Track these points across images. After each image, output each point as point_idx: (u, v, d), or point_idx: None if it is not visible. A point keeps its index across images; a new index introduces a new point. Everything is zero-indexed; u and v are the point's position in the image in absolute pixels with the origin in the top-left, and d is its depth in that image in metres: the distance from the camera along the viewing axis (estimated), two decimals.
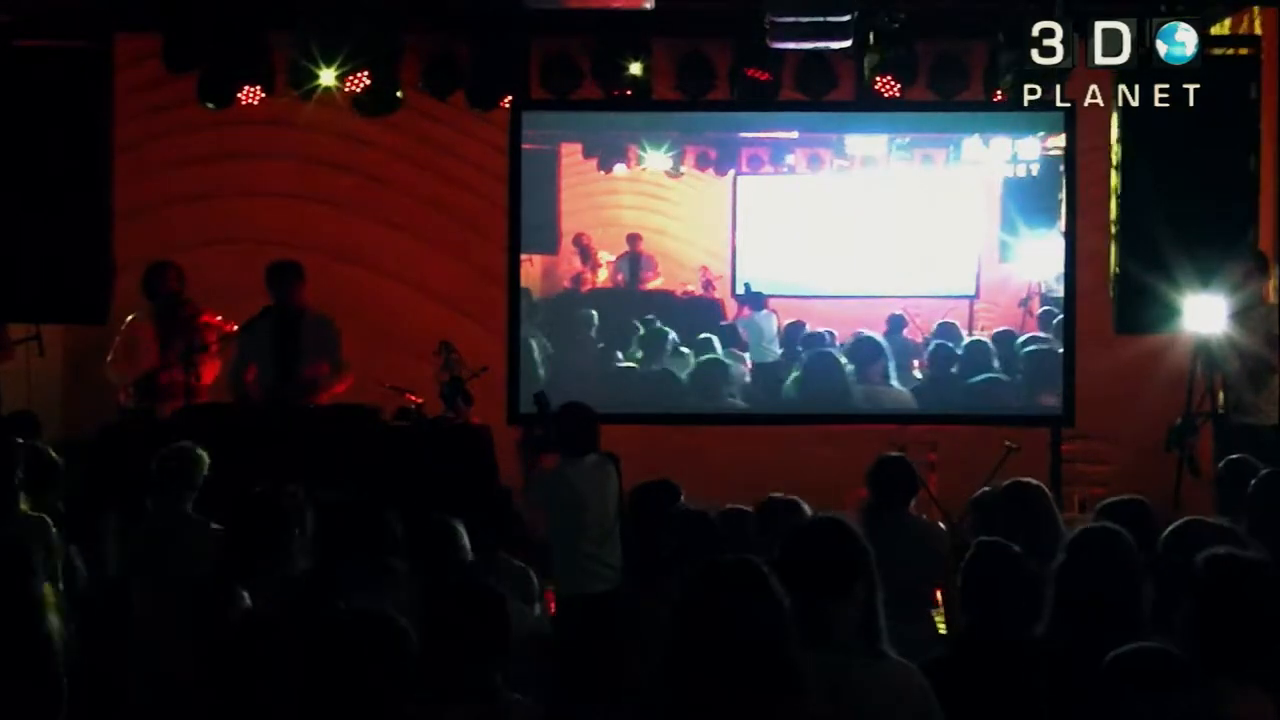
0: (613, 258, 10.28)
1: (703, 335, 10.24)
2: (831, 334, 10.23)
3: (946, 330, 10.22)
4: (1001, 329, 10.22)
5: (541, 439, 8.14)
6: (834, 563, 4.04)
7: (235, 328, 9.50)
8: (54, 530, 6.20)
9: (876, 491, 6.86)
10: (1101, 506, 6.18)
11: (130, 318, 9.79)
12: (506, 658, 4.10)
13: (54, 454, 6.85)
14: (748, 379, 10.23)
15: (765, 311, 10.25)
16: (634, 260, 10.27)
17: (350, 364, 9.54)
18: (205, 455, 6.82)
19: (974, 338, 10.22)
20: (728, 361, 10.21)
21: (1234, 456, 7.33)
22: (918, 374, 10.21)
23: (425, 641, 3.95)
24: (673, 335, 10.20)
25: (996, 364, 10.18)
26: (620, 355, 10.25)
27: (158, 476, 6.74)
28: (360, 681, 3.73)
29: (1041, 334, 10.18)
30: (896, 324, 10.21)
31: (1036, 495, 6.30)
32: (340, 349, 9.54)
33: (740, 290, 10.27)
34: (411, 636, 3.85)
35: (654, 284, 10.31)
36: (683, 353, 10.23)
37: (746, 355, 10.24)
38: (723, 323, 10.28)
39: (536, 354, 10.17)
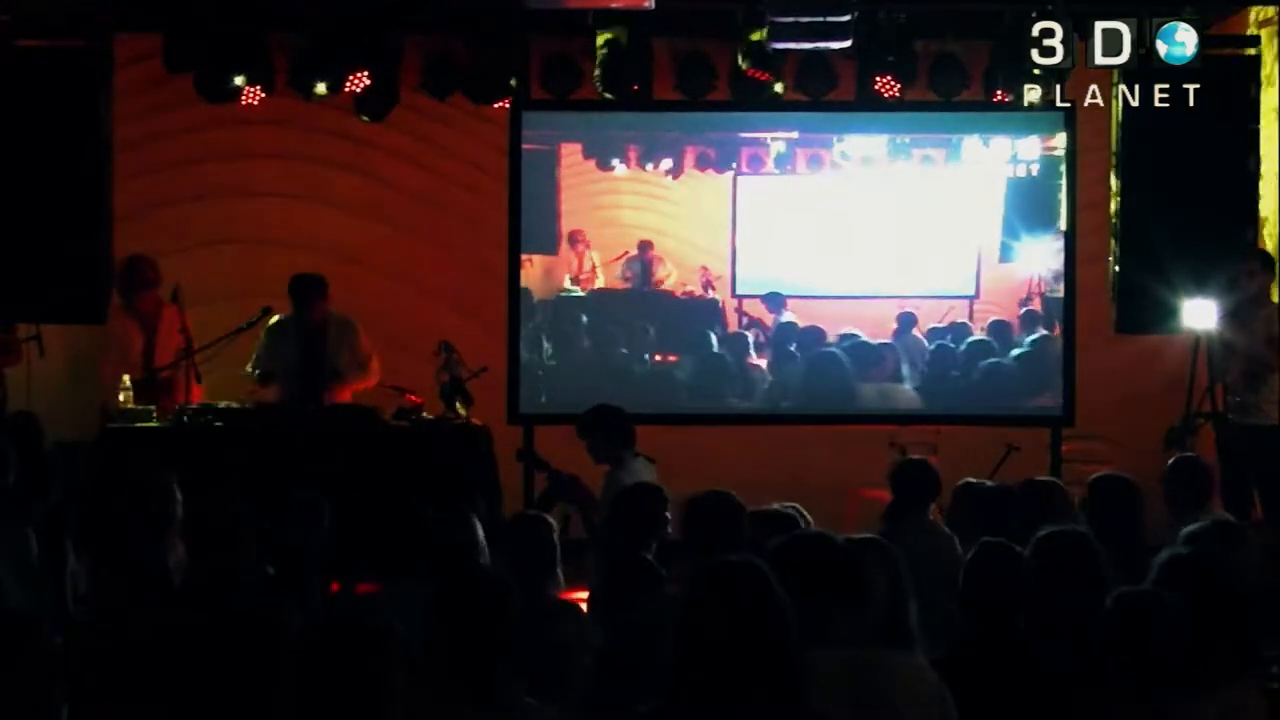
0: (611, 258, 10.27)
1: (704, 334, 10.26)
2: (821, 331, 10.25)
3: (954, 330, 10.22)
4: (996, 320, 10.22)
5: (568, 483, 8.02)
6: (820, 578, 4.06)
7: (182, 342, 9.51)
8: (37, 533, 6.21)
9: (899, 493, 6.87)
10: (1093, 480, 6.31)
11: (110, 318, 9.82)
12: (515, 655, 4.00)
13: (48, 454, 6.85)
14: (757, 380, 10.22)
15: (786, 313, 10.24)
16: (645, 265, 10.26)
17: (370, 368, 9.57)
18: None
19: (975, 337, 10.21)
20: (729, 358, 10.21)
21: (1184, 455, 7.40)
22: (907, 372, 10.22)
23: (426, 639, 3.92)
24: (688, 335, 10.22)
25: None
26: (620, 355, 10.25)
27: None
28: (349, 691, 3.70)
29: (1032, 333, 10.18)
30: (907, 322, 10.20)
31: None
32: (362, 345, 9.58)
33: (744, 292, 10.25)
34: (398, 642, 3.80)
35: (654, 284, 10.30)
36: (684, 353, 10.24)
37: (761, 357, 10.23)
38: (727, 322, 10.27)
39: (537, 354, 10.16)
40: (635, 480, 7.38)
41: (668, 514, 6.38)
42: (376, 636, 3.83)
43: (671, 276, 10.27)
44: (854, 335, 10.19)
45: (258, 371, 9.52)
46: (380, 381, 9.63)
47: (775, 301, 10.24)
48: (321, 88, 10.30)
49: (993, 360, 10.17)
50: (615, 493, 7.25)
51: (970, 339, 10.22)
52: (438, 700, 3.85)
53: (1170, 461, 7.14)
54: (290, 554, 5.80)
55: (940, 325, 10.22)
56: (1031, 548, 5.09)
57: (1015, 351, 10.17)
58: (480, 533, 5.81)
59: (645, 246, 10.26)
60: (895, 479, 6.98)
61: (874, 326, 10.20)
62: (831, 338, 10.20)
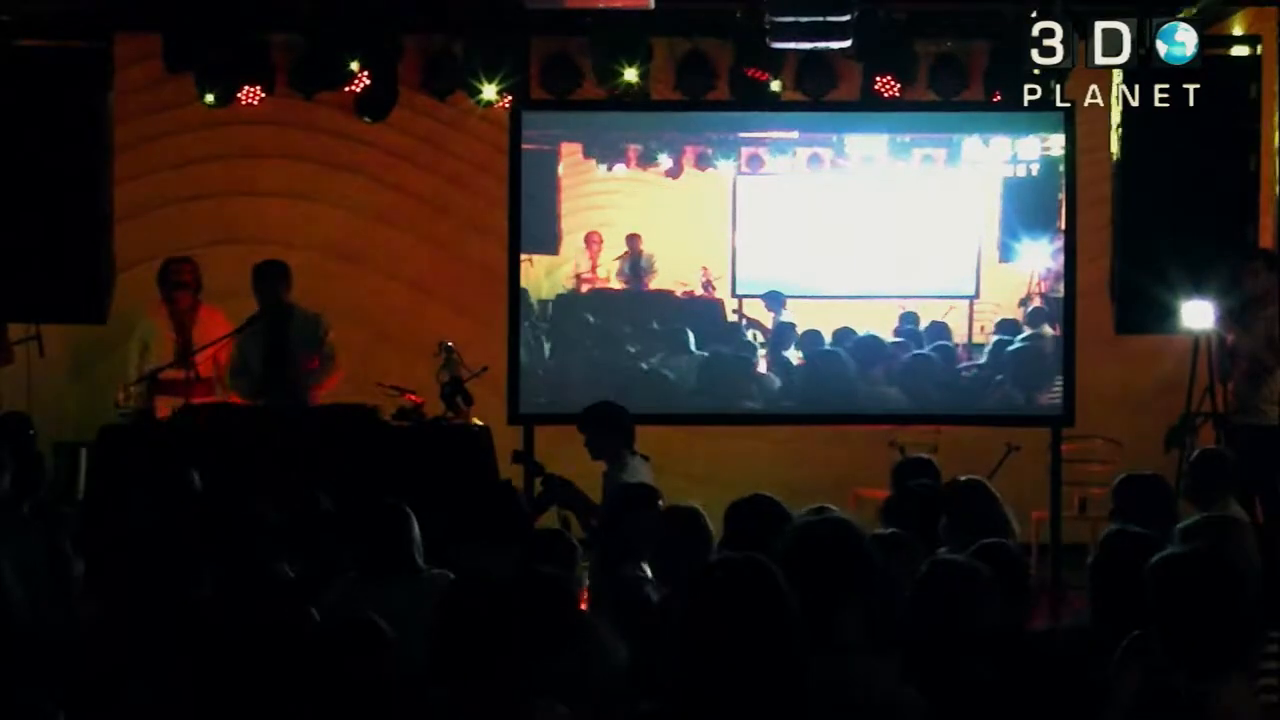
0: (613, 257, 10.27)
1: (704, 334, 10.25)
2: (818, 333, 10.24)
3: (944, 330, 10.22)
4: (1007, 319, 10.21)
5: (561, 486, 8.00)
6: (838, 563, 4.04)
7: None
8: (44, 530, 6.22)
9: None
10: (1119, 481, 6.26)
11: (145, 319, 9.87)
12: (539, 652, 3.94)
13: (40, 454, 6.86)
14: (757, 380, 10.21)
15: (786, 313, 10.23)
16: (635, 260, 10.27)
17: (337, 359, 9.55)
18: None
19: (977, 338, 10.20)
20: (728, 358, 10.21)
21: (1208, 448, 7.38)
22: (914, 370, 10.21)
23: (443, 637, 3.90)
24: (690, 335, 10.23)
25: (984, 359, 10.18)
26: (621, 354, 10.24)
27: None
28: (342, 689, 3.70)
29: (1030, 331, 10.17)
30: (908, 322, 10.20)
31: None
32: (327, 343, 9.55)
33: (744, 291, 10.25)
34: (392, 642, 3.79)
35: (654, 284, 10.29)
36: (686, 352, 10.24)
37: (760, 356, 10.24)
38: (727, 321, 10.27)
39: (537, 354, 10.16)
40: (634, 480, 7.39)
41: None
42: (380, 637, 3.83)
43: (664, 275, 10.26)
44: (855, 332, 10.18)
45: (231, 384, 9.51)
46: (380, 382, 9.62)
47: (776, 301, 10.24)
48: (326, 82, 10.26)
49: (991, 357, 10.17)
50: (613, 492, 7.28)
51: (973, 339, 10.21)
52: (456, 700, 3.83)
53: (1195, 454, 7.13)
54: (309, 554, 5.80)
55: (939, 322, 10.21)
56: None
57: (1011, 347, 10.16)
58: (415, 528, 5.77)
59: (633, 240, 10.26)
60: (897, 478, 6.97)
61: (874, 326, 10.19)
62: (832, 337, 10.20)
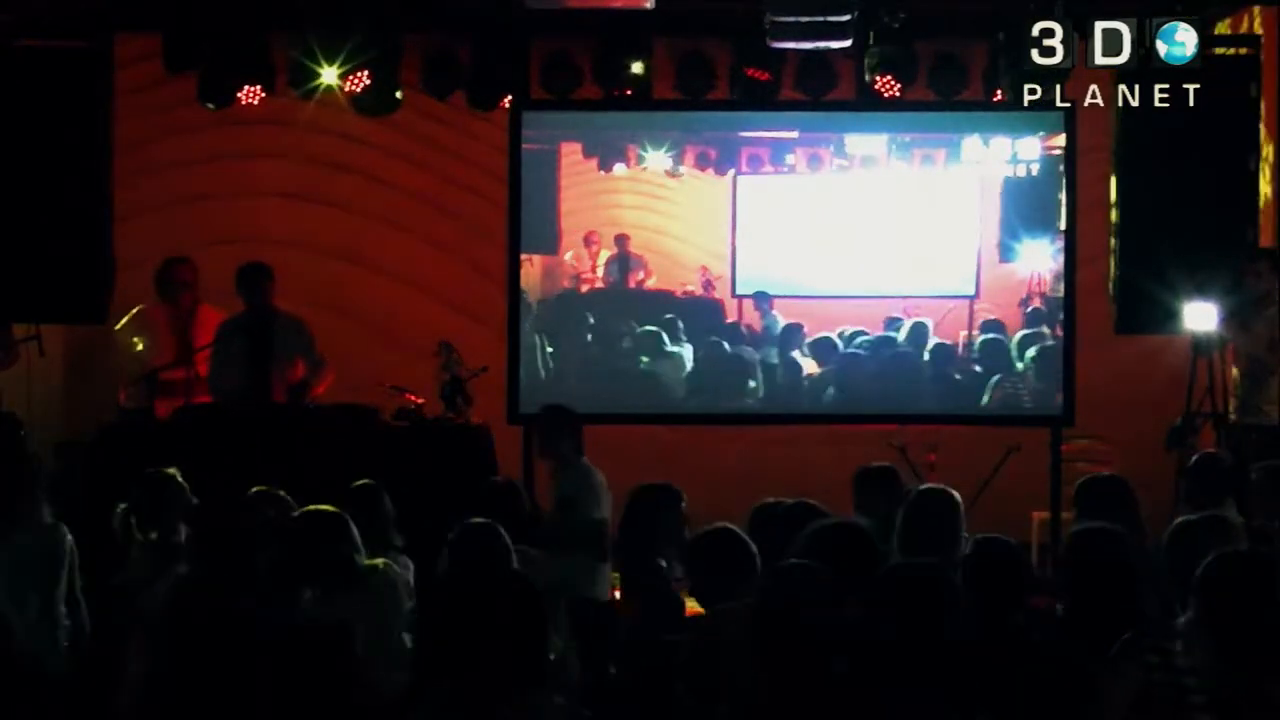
0: (606, 258, 10.28)
1: (704, 334, 10.25)
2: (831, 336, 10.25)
3: (943, 330, 10.22)
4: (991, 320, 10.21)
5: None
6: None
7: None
8: (68, 536, 6.24)
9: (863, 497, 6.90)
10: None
11: (140, 311, 9.85)
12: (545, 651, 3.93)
13: (33, 455, 6.88)
14: (759, 380, 10.21)
15: (772, 313, 10.23)
16: (623, 260, 10.27)
17: (327, 361, 9.54)
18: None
19: (984, 336, 10.20)
20: (728, 359, 10.21)
21: (1207, 451, 7.39)
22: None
23: (447, 635, 3.91)
24: (670, 334, 10.21)
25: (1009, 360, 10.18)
26: (620, 355, 10.24)
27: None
28: (311, 691, 3.71)
29: (1029, 331, 10.18)
30: (908, 323, 10.19)
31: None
32: (315, 347, 9.54)
33: (744, 292, 10.25)
34: (356, 648, 3.80)
35: (651, 283, 10.30)
36: (681, 352, 10.24)
37: (757, 356, 10.24)
38: (727, 321, 10.27)
39: (537, 354, 10.17)
40: (587, 480, 7.68)
41: (684, 515, 6.36)
42: (347, 641, 3.84)
43: (663, 275, 10.25)
44: (862, 332, 10.18)
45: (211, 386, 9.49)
46: (380, 382, 9.62)
47: (762, 300, 10.24)
48: (323, 86, 10.26)
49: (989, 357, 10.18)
50: (569, 493, 7.49)
51: (982, 338, 10.20)
52: (460, 697, 3.83)
53: (1194, 458, 7.14)
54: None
55: (938, 323, 10.22)
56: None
57: (1027, 356, 10.14)
58: (355, 533, 5.73)
59: (622, 240, 10.26)
60: (859, 485, 6.99)
61: (874, 326, 10.20)
62: (836, 337, 10.20)
